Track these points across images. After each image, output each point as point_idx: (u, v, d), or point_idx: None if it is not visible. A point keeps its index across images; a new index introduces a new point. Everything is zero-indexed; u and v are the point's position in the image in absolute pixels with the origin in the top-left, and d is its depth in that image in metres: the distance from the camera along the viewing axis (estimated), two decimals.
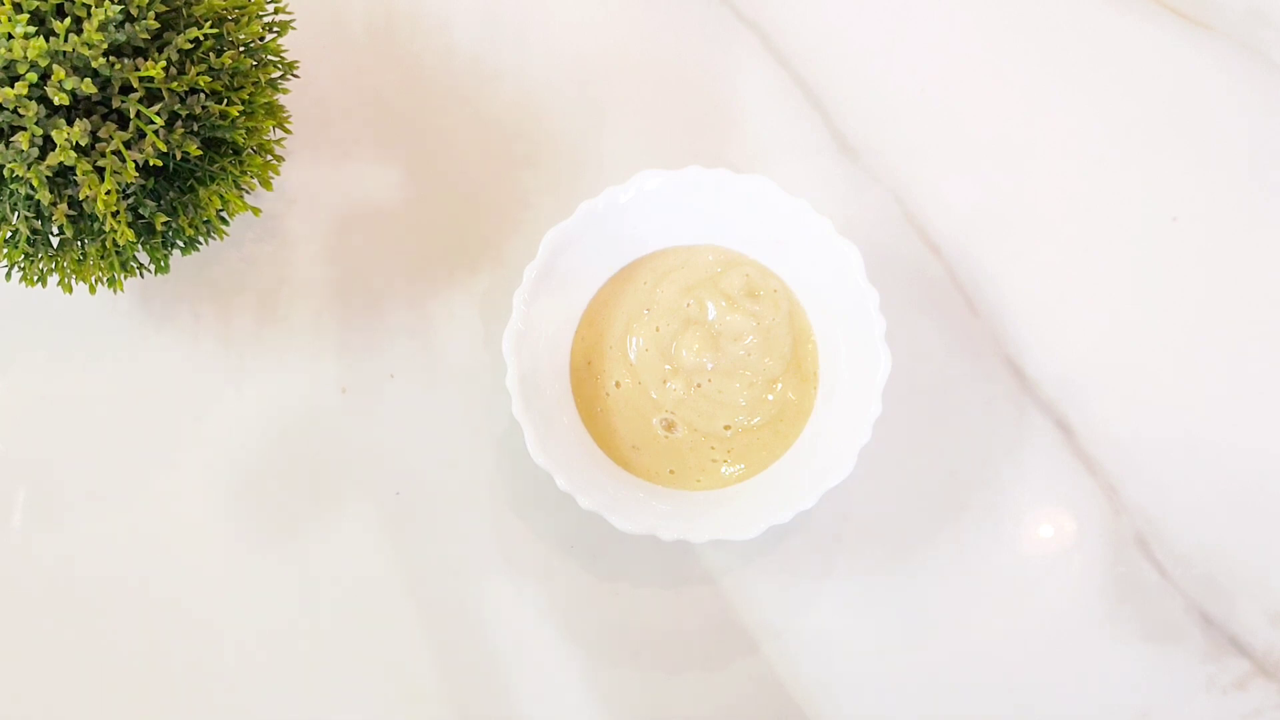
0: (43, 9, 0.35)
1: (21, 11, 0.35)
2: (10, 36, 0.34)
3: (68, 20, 0.35)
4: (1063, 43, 0.49)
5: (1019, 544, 0.45)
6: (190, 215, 0.40)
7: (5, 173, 0.36)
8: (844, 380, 0.43)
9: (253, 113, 0.40)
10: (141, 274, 0.43)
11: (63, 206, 0.37)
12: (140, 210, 0.39)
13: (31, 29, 0.34)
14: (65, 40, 0.34)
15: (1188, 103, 0.48)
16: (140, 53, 0.37)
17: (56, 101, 0.35)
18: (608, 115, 0.48)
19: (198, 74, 0.37)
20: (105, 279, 0.41)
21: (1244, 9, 0.49)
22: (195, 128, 0.38)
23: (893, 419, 0.44)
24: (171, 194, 0.40)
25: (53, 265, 0.40)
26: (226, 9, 0.39)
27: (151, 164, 0.37)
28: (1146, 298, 0.46)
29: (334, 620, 0.44)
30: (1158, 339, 0.46)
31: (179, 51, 0.37)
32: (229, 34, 0.39)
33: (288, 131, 0.44)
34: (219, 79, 0.38)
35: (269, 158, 0.43)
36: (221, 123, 0.39)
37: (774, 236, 0.43)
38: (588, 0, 0.49)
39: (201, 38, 0.37)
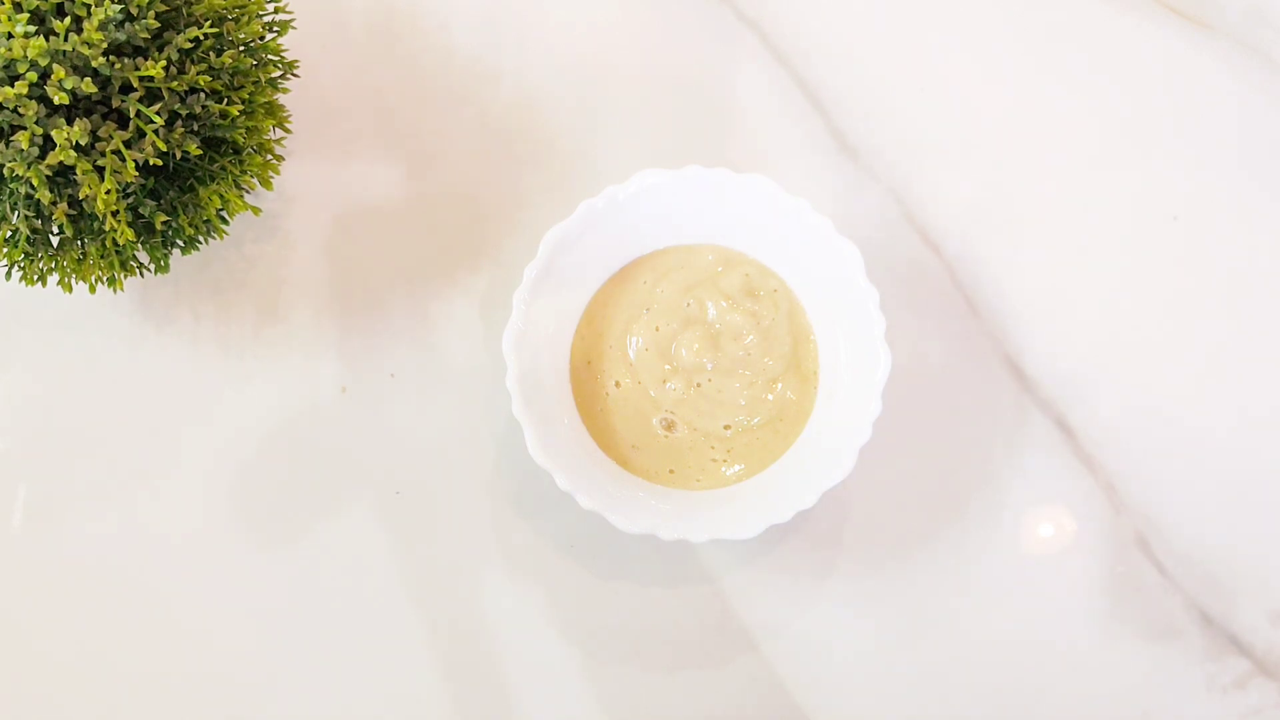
0: (43, 8, 0.35)
1: (21, 11, 0.35)
2: (10, 36, 0.34)
3: (68, 19, 0.35)
4: (1062, 42, 0.49)
5: (1019, 544, 0.45)
6: (190, 215, 0.40)
7: (5, 172, 0.36)
8: (844, 379, 0.43)
9: (253, 112, 0.40)
10: (141, 274, 0.43)
11: (63, 206, 0.37)
12: (140, 210, 0.39)
13: (31, 28, 0.34)
14: (65, 39, 0.34)
15: (1188, 103, 0.48)
16: (140, 52, 0.37)
17: (56, 101, 0.35)
18: (608, 115, 0.48)
19: (198, 73, 0.37)
20: (105, 279, 0.41)
21: (1244, 9, 0.49)
22: (195, 127, 0.38)
23: (893, 419, 0.44)
24: (171, 193, 0.40)
25: (53, 265, 0.40)
26: (226, 8, 0.39)
27: (151, 163, 0.37)
28: (1147, 297, 0.46)
29: (334, 620, 0.44)
30: (1158, 338, 0.46)
31: (179, 51, 0.37)
32: (229, 33, 0.39)
33: (288, 131, 0.44)
34: (219, 78, 0.38)
35: (269, 157, 0.43)
36: (221, 122, 0.39)
37: (774, 236, 0.43)
38: (588, 0, 0.49)
39: (201, 37, 0.37)
